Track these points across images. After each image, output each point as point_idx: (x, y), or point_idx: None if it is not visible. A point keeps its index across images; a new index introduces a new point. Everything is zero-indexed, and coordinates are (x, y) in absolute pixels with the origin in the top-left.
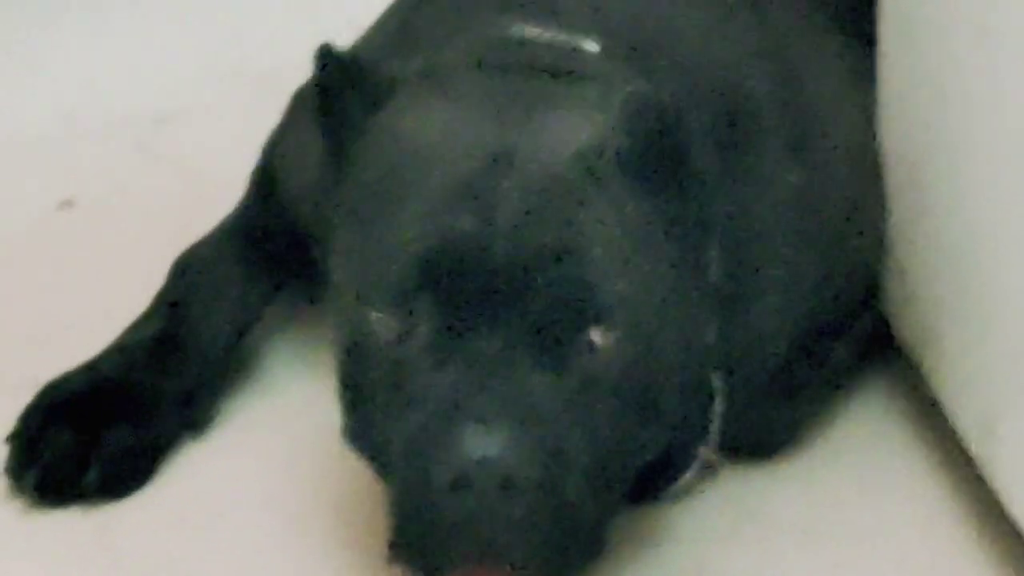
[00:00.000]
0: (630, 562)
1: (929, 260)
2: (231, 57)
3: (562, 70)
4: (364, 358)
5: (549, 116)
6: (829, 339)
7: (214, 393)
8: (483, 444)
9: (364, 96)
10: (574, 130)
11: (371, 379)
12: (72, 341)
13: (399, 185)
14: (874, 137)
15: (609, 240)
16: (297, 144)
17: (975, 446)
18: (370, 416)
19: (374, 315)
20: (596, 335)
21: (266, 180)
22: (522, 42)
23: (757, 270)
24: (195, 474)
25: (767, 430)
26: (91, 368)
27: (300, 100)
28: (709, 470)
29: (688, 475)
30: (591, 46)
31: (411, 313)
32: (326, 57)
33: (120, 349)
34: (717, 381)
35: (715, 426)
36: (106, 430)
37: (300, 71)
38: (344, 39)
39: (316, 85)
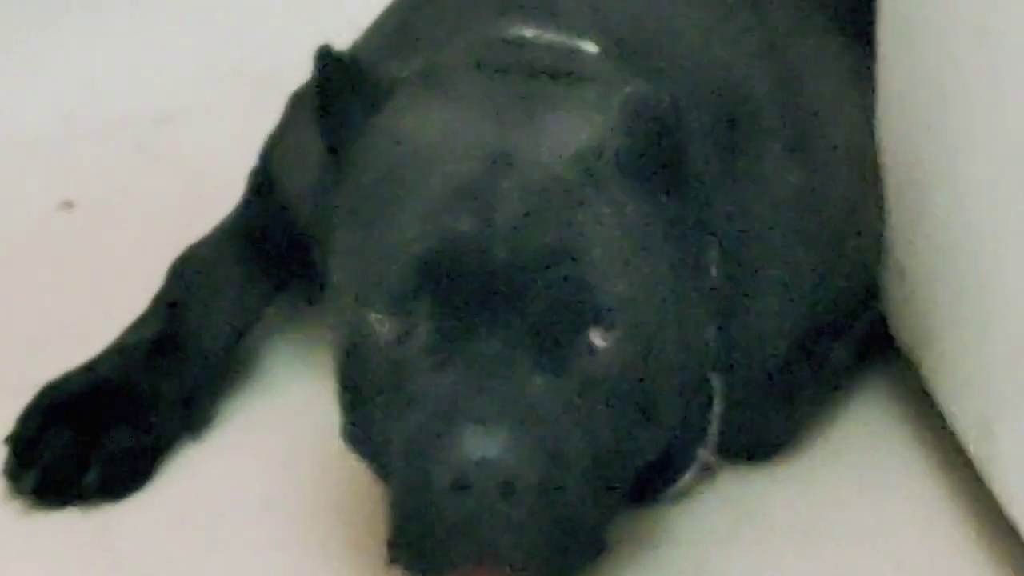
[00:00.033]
0: (629, 563)
1: (928, 260)
2: (231, 57)
3: (561, 71)
4: (363, 359)
5: (548, 117)
6: (828, 340)
7: (214, 394)
8: (482, 445)
9: (363, 97)
10: (573, 131)
11: (370, 380)
12: (72, 342)
13: (398, 186)
14: (873, 137)
15: (608, 241)
16: (296, 145)
17: (974, 446)
18: (369, 417)
19: (373, 316)
20: (595, 336)
21: (265, 181)
22: (521, 43)
23: (756, 271)
24: (195, 474)
25: (766, 431)
26: (90, 369)
27: (298, 101)
28: (708, 471)
29: (687, 476)
30: (590, 47)
31: (410, 314)
32: (325, 57)
33: (119, 350)
34: (716, 382)
35: (714, 427)
36: (105, 431)
37: (300, 71)
38: (344, 39)
39: (315, 85)
